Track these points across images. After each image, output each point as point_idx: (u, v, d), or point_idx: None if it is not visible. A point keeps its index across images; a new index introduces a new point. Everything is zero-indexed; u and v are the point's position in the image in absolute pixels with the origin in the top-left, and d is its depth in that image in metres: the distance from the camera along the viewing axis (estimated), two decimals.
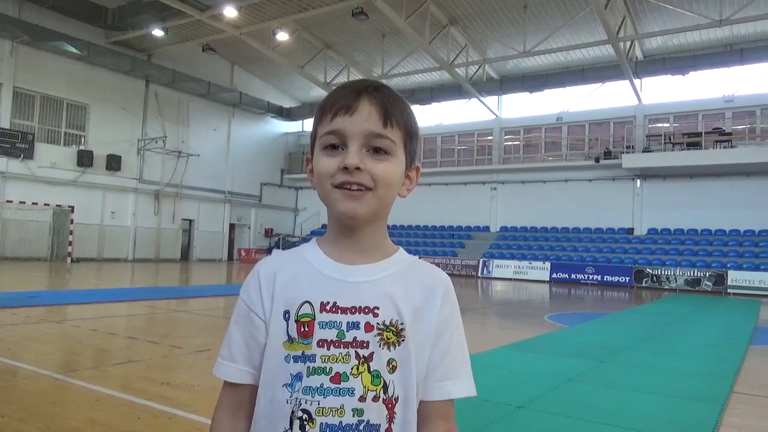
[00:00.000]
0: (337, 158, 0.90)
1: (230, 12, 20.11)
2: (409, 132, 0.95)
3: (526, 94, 25.43)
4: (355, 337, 0.89)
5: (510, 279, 21.65)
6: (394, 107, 0.92)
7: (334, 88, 0.97)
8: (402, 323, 0.91)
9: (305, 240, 29.03)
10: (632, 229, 22.97)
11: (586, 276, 20.59)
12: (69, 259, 21.27)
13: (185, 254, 27.35)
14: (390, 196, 0.94)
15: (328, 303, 0.91)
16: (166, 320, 8.33)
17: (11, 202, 20.32)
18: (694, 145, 20.98)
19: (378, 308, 0.91)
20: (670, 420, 3.94)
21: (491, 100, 26.42)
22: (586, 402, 4.33)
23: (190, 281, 16.57)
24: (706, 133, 21.06)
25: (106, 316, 8.20)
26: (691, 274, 18.87)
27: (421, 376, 0.93)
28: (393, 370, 0.90)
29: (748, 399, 4.71)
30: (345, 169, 0.88)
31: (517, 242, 24.41)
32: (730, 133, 21.07)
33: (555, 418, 3.89)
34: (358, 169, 0.88)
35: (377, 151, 0.91)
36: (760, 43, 20.36)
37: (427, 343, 0.93)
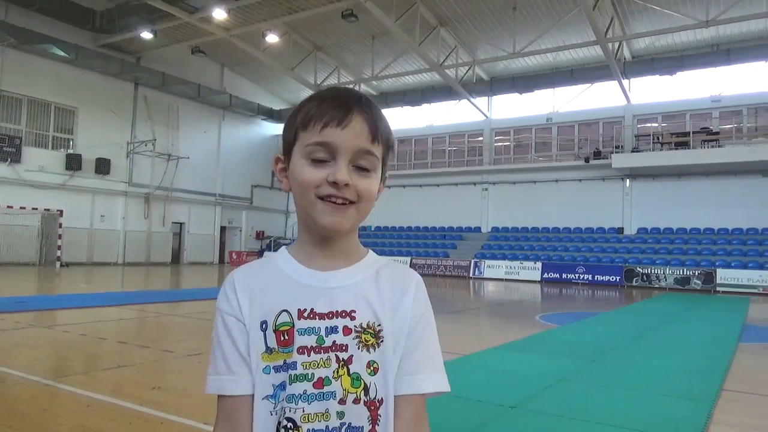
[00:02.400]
0: (323, 170, 0.90)
1: (219, 14, 20.05)
2: (389, 147, 0.97)
3: (516, 94, 25.55)
4: (334, 341, 0.90)
5: (501, 279, 21.71)
6: (380, 123, 0.93)
7: (314, 93, 0.97)
8: (379, 325, 0.92)
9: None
10: (622, 228, 23.12)
11: (576, 276, 20.70)
12: (58, 264, 21.08)
13: (176, 257, 27.20)
14: (369, 209, 0.95)
15: (305, 310, 0.91)
16: (157, 324, 8.28)
17: None
18: (683, 145, 21.17)
19: (355, 311, 0.92)
20: (661, 418, 3.96)
21: (481, 101, 26.51)
22: (578, 401, 4.35)
23: (181, 284, 16.48)
24: (693, 132, 21.25)
25: (96, 320, 8.13)
26: (681, 273, 19.02)
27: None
28: (375, 372, 0.91)
29: (738, 396, 4.75)
30: (333, 183, 0.89)
31: (509, 242, 24.50)
32: (717, 133, 21.28)
33: (547, 417, 3.90)
34: (347, 185, 0.89)
35: (362, 166, 0.92)
36: (747, 44, 20.58)
37: (402, 340, 0.94)
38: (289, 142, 0.95)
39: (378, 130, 0.92)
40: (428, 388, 0.94)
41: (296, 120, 0.94)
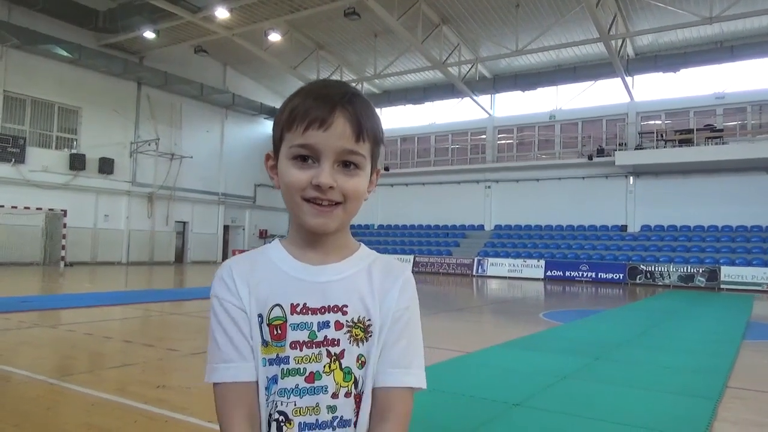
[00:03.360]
0: (307, 171, 0.89)
1: (222, 13, 20.06)
2: (377, 141, 0.95)
3: (519, 92, 25.51)
4: (326, 336, 0.91)
5: (505, 277, 21.69)
6: (366, 121, 0.91)
7: (300, 87, 0.95)
8: (369, 319, 0.93)
9: None
10: (625, 226, 23.07)
11: (580, 273, 20.66)
12: (62, 263, 21.14)
13: (179, 256, 27.25)
14: (357, 208, 0.94)
15: (298, 305, 0.92)
16: (161, 323, 8.30)
17: (3, 206, 20.14)
18: (686, 142, 21.11)
19: (347, 306, 0.93)
20: (665, 415, 3.96)
21: (484, 98, 26.48)
22: (581, 399, 4.35)
23: (185, 283, 16.52)
24: (697, 129, 21.20)
25: (101, 319, 8.16)
26: (685, 270, 18.97)
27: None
28: (362, 365, 0.92)
29: (742, 394, 4.74)
30: (317, 186, 0.88)
31: (512, 240, 24.47)
32: (721, 130, 21.21)
33: (551, 415, 3.90)
34: (331, 187, 0.88)
35: (347, 165, 0.91)
36: (750, 40, 20.49)
37: (384, 332, 0.94)
38: (276, 140, 0.95)
39: (362, 129, 0.90)
40: (409, 382, 0.94)
41: (282, 118, 0.93)
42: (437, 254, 24.42)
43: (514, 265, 22.08)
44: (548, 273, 21.22)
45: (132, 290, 13.42)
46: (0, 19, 20.24)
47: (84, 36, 22.88)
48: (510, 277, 21.60)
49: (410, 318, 0.96)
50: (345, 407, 0.90)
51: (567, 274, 20.93)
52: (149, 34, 22.20)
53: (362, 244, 1.01)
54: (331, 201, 0.90)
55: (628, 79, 22.40)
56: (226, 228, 29.51)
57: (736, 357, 6.30)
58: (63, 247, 21.43)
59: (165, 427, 3.47)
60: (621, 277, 19.89)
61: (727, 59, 20.82)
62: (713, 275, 18.39)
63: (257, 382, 0.91)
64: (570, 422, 3.75)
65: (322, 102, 0.89)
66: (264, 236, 31.15)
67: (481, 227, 26.45)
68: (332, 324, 0.91)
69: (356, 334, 0.92)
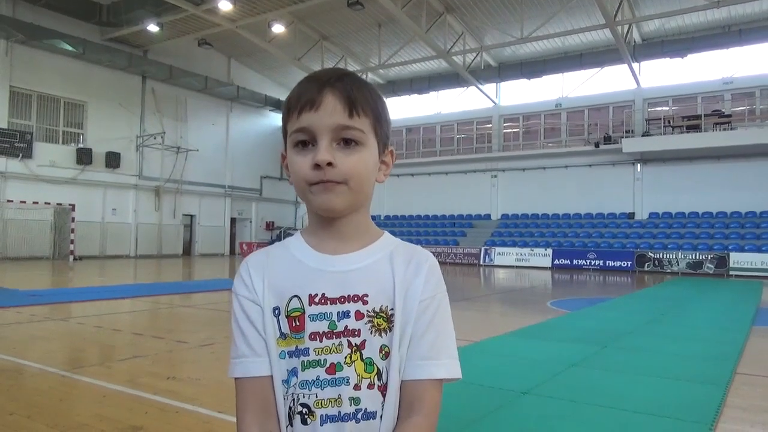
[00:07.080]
0: (308, 156, 0.89)
1: (225, 5, 19.99)
2: (378, 117, 0.93)
3: (525, 80, 25.34)
4: (346, 326, 0.90)
5: (512, 266, 21.67)
6: (358, 95, 0.90)
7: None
8: (392, 309, 0.92)
9: None
10: (633, 213, 22.96)
11: (587, 261, 20.61)
12: (71, 257, 21.31)
13: (187, 249, 27.40)
14: (365, 186, 0.93)
15: (316, 295, 0.91)
16: (171, 315, 8.36)
17: (12, 201, 20.33)
18: (694, 128, 20.93)
19: (367, 295, 0.91)
20: (674, 402, 3.95)
21: (489, 87, 26.32)
22: (590, 387, 4.35)
23: (193, 276, 16.61)
24: (705, 115, 20.99)
25: (110, 312, 8.22)
26: (693, 257, 18.88)
27: (404, 358, 0.92)
28: (386, 356, 0.90)
29: (752, 380, 4.73)
30: (317, 165, 0.87)
31: (519, 229, 24.42)
32: (729, 115, 20.99)
33: (559, 403, 3.91)
34: (330, 164, 0.87)
35: (347, 143, 0.90)
36: (758, 24, 20.23)
37: (410, 323, 0.92)
38: (284, 134, 0.96)
39: (355, 102, 0.89)
40: (438, 374, 0.92)
41: (283, 111, 0.95)
42: (444, 244, 24.41)
43: (521, 254, 22.05)
44: (556, 262, 21.18)
45: (141, 283, 13.51)
46: (5, 15, 20.28)
47: (88, 30, 22.90)
48: (517, 266, 21.58)
49: (438, 307, 0.94)
50: (369, 399, 0.88)
51: (575, 262, 20.88)
52: (153, 28, 22.17)
53: (386, 232, 1.00)
54: (333, 181, 0.88)
55: (635, 65, 22.20)
56: (233, 220, 29.63)
57: (746, 343, 6.28)
58: (72, 242, 21.60)
59: (176, 418, 3.50)
60: (629, 265, 19.82)
61: (734, 43, 20.58)
62: (722, 262, 18.29)
63: (273, 376, 0.91)
64: (578, 410, 3.76)
65: (312, 85, 0.90)
66: (270, 228, 31.25)
67: (488, 216, 26.40)
68: (352, 314, 0.90)
69: (378, 324, 0.90)
